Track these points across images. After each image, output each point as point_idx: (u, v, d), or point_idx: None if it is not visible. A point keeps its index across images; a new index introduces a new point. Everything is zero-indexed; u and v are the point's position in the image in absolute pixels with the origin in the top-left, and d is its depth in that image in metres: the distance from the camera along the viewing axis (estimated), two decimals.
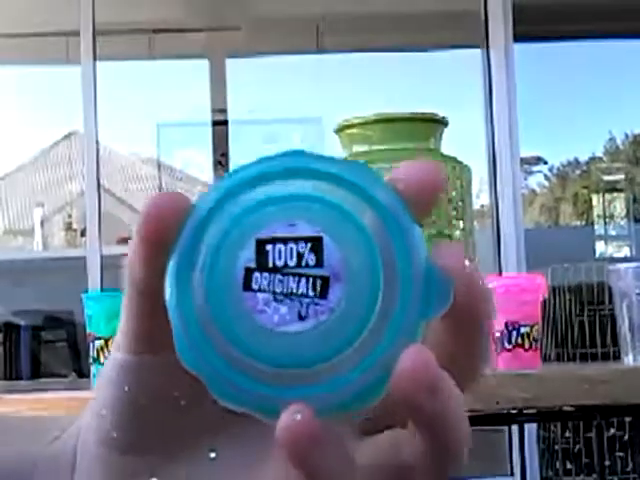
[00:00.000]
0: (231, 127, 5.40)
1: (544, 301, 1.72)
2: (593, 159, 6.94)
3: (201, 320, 0.34)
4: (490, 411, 1.47)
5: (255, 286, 0.34)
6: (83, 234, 4.81)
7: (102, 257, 4.26)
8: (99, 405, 0.41)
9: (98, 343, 1.61)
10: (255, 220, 0.35)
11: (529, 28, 4.83)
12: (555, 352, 3.79)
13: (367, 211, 0.34)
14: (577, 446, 3.76)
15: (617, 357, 1.75)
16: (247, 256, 0.34)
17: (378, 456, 0.37)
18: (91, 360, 1.63)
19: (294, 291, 0.34)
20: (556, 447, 3.84)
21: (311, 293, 0.34)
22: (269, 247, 0.34)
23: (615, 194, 6.26)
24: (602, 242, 5.93)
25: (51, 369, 4.78)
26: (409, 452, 0.36)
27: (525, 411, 1.76)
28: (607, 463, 3.58)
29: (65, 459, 0.43)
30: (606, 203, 6.16)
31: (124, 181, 6.89)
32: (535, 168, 7.21)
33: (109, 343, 1.58)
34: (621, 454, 3.67)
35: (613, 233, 5.99)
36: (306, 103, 5.80)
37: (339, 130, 1.64)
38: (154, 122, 5.68)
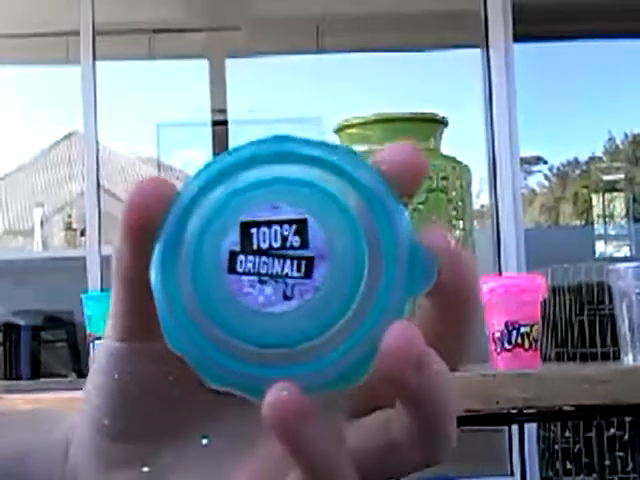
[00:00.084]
0: (231, 127, 5.40)
1: (544, 301, 1.72)
2: (593, 159, 6.94)
3: (187, 303, 0.35)
4: (490, 411, 1.47)
5: (240, 269, 0.34)
6: (83, 234, 4.81)
7: (102, 257, 4.26)
8: (91, 393, 0.41)
9: (98, 343, 1.61)
10: (239, 204, 0.35)
11: (529, 28, 4.83)
12: (555, 352, 3.79)
13: (351, 193, 0.34)
14: (577, 446, 3.76)
15: (617, 357, 1.75)
16: (232, 239, 0.35)
17: (367, 436, 0.37)
18: (91, 360, 1.63)
19: (279, 272, 0.34)
20: (556, 447, 3.84)
21: (296, 273, 0.34)
22: (253, 230, 0.34)
23: (615, 194, 6.26)
24: (602, 242, 5.93)
25: (51, 369, 4.78)
26: (397, 430, 0.36)
27: (525, 411, 1.76)
28: (607, 463, 3.58)
29: (59, 448, 0.43)
30: (606, 203, 6.16)
31: (124, 181, 6.89)
32: (535, 168, 7.21)
33: None
34: (621, 454, 3.67)
35: (613, 233, 5.99)
36: (306, 103, 5.80)
37: (339, 130, 1.64)
38: (154, 122, 5.68)
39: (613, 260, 5.04)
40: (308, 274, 0.34)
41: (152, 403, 0.40)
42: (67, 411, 0.45)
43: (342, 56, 5.77)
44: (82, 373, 4.13)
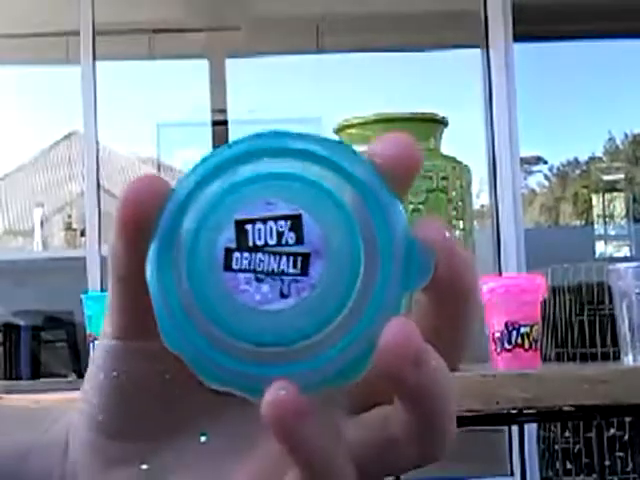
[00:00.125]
0: (231, 127, 5.40)
1: (544, 301, 1.71)
2: (593, 159, 6.94)
3: (183, 301, 0.34)
4: (490, 411, 1.47)
5: (236, 266, 0.34)
6: (83, 234, 4.81)
7: (102, 257, 4.26)
8: (88, 392, 0.41)
9: (98, 343, 1.61)
10: (234, 201, 0.35)
11: (529, 28, 4.83)
12: (555, 352, 3.79)
13: (346, 187, 0.34)
14: (577, 446, 3.76)
15: (617, 357, 1.75)
16: (227, 237, 0.34)
17: (366, 432, 0.37)
18: (90, 360, 1.63)
19: (275, 269, 0.34)
20: (556, 447, 3.84)
21: (292, 270, 0.34)
22: (249, 227, 0.34)
23: (615, 194, 6.26)
24: (602, 242, 5.93)
25: (51, 369, 4.78)
26: (395, 427, 0.36)
27: (525, 411, 1.76)
28: (607, 463, 3.58)
29: (58, 446, 0.43)
30: (606, 203, 6.16)
31: (124, 181, 6.88)
32: (535, 168, 7.21)
33: None
34: (621, 454, 3.67)
35: (613, 233, 5.99)
36: (306, 103, 5.80)
37: (339, 130, 1.64)
38: (154, 122, 5.68)
39: (613, 260, 5.04)
40: (304, 271, 0.34)
41: (149, 402, 0.40)
42: (65, 408, 0.45)
43: (342, 56, 5.77)
44: (82, 373, 4.11)
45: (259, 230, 0.34)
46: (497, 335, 1.63)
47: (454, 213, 1.59)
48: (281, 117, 5.39)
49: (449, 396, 0.35)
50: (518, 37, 4.46)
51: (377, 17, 5.40)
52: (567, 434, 3.79)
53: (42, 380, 3.48)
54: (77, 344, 4.77)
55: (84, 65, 4.42)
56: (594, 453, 3.61)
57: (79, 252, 4.63)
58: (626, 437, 3.66)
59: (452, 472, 4.33)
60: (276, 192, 0.35)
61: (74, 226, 5.37)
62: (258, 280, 0.34)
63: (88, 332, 1.67)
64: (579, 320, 3.78)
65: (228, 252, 0.34)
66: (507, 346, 1.62)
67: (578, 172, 7.24)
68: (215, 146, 5.40)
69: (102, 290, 3.85)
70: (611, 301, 1.76)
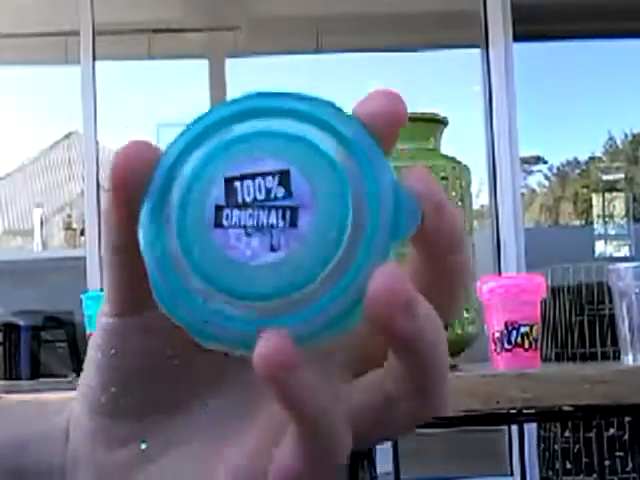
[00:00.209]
0: None
1: (544, 301, 1.71)
2: (592, 159, 6.94)
3: (175, 262, 0.35)
4: (490, 411, 1.47)
5: (226, 223, 0.34)
6: (83, 234, 4.81)
7: (102, 257, 4.26)
8: (87, 376, 0.41)
9: None
10: (222, 161, 0.35)
11: (528, 28, 4.83)
12: (555, 352, 3.79)
13: (332, 142, 0.35)
14: (577, 446, 3.76)
15: (617, 357, 1.75)
16: (216, 195, 0.35)
17: (361, 394, 0.37)
18: None
19: (264, 223, 0.34)
20: (556, 447, 3.84)
21: (281, 223, 0.34)
22: (237, 184, 0.35)
23: (615, 194, 6.25)
24: (602, 242, 5.92)
25: (51, 369, 4.77)
26: (391, 383, 0.36)
27: (525, 411, 1.76)
28: (607, 463, 3.58)
29: (59, 434, 0.43)
30: (606, 203, 6.15)
31: None
32: (535, 168, 7.21)
33: None
34: (621, 454, 3.67)
35: (613, 233, 5.99)
36: None
37: None
38: (154, 122, 5.68)
39: (613, 260, 5.04)
40: (293, 223, 0.34)
41: (149, 378, 0.40)
42: (67, 401, 0.45)
43: (342, 56, 5.77)
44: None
45: (248, 186, 0.34)
46: (497, 335, 1.63)
47: None
48: None
49: (441, 347, 0.35)
50: (518, 37, 4.46)
51: (377, 17, 5.40)
52: (567, 434, 3.79)
53: (42, 380, 3.48)
54: (77, 344, 4.77)
55: (84, 65, 4.42)
56: (594, 453, 3.61)
57: (79, 252, 4.63)
58: (626, 437, 3.66)
59: (452, 472, 4.34)
60: (264, 149, 0.35)
61: (74, 226, 5.37)
62: (248, 235, 0.34)
63: (88, 332, 1.67)
64: (579, 320, 3.78)
65: (218, 210, 0.35)
66: (507, 346, 1.62)
67: (578, 172, 7.25)
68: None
69: (102, 290, 3.85)
70: (611, 301, 1.76)
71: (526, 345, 1.62)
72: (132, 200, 0.36)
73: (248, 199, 0.34)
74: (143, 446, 0.41)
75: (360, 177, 0.34)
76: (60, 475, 0.43)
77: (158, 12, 5.38)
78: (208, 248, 0.34)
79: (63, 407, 0.45)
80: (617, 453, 3.66)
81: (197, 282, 0.34)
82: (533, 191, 7.38)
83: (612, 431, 3.65)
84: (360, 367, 0.38)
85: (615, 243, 5.95)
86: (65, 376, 3.89)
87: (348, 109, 0.36)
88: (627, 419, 3.59)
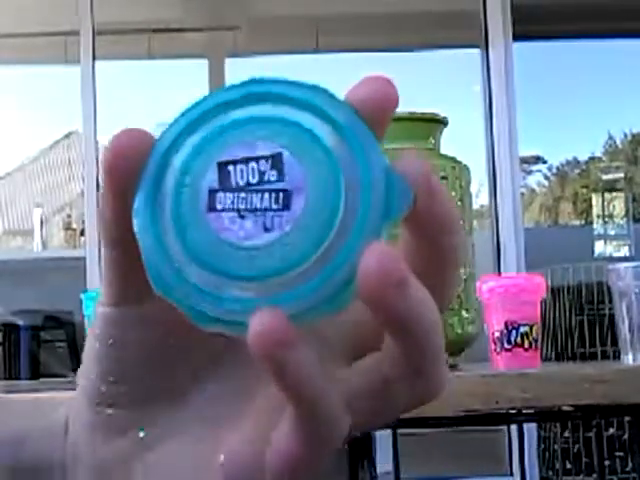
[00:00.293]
0: None
1: (543, 301, 1.71)
2: (592, 158, 6.94)
3: (170, 246, 0.35)
4: (490, 411, 1.47)
5: (219, 206, 0.35)
6: (83, 234, 4.81)
7: (101, 257, 4.25)
8: (86, 369, 0.42)
9: None
10: (216, 146, 0.35)
11: (528, 27, 4.83)
12: (555, 352, 3.79)
13: (325, 126, 0.35)
14: (577, 446, 3.76)
15: (617, 357, 1.75)
16: (210, 179, 0.35)
17: (358, 378, 0.37)
18: None
19: (257, 206, 0.34)
20: (555, 447, 3.84)
21: (274, 206, 0.34)
22: (231, 168, 0.35)
23: (614, 194, 6.25)
24: (601, 242, 5.92)
25: (51, 369, 4.77)
26: (387, 365, 0.36)
27: (525, 411, 1.76)
28: (607, 463, 3.58)
29: (58, 429, 0.43)
30: (605, 203, 6.15)
31: None
32: (534, 167, 7.21)
33: None
34: (621, 454, 3.67)
35: (612, 233, 5.99)
36: None
37: None
38: (154, 122, 5.68)
39: (612, 260, 5.04)
40: (286, 206, 0.34)
41: (147, 366, 0.40)
42: (66, 397, 0.45)
43: (341, 56, 5.77)
44: None
45: (241, 170, 0.35)
46: (497, 335, 1.63)
47: None
48: None
49: (435, 326, 0.35)
50: (518, 37, 4.46)
51: (376, 17, 5.40)
52: (567, 434, 3.79)
53: (42, 380, 3.48)
54: (77, 344, 4.77)
55: (84, 65, 4.42)
56: (594, 453, 3.61)
57: (79, 252, 4.63)
58: (626, 437, 3.66)
59: (452, 472, 4.34)
60: (257, 134, 0.35)
61: (74, 226, 5.37)
62: (241, 217, 0.34)
63: (88, 332, 1.67)
64: (579, 320, 3.78)
65: (212, 193, 0.35)
66: (507, 346, 1.62)
67: (577, 172, 7.25)
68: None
69: None
70: (611, 301, 1.76)
71: (526, 345, 1.62)
72: (126, 187, 0.36)
73: (241, 182, 0.35)
74: (141, 434, 0.41)
75: (352, 160, 0.34)
76: (61, 471, 0.43)
77: (158, 12, 5.38)
78: (202, 231, 0.35)
79: (60, 403, 0.45)
80: (617, 453, 3.66)
81: (192, 264, 0.35)
82: (533, 191, 7.38)
83: (612, 431, 3.65)
84: (357, 354, 0.38)
85: (615, 243, 5.95)
86: (65, 376, 3.89)
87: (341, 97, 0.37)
88: (627, 419, 3.59)
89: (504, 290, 1.64)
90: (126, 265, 0.38)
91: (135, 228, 0.35)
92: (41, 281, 4.87)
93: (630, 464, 3.66)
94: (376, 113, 0.35)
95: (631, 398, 1.48)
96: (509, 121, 4.33)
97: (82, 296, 1.77)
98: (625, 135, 7.19)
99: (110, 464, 0.41)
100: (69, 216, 5.54)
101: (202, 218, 0.35)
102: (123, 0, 5.15)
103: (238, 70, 5.53)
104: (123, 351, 0.40)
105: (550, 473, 3.90)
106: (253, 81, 0.36)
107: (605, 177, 6.57)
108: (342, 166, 0.34)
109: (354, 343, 0.38)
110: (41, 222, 5.47)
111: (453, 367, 1.63)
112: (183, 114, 0.36)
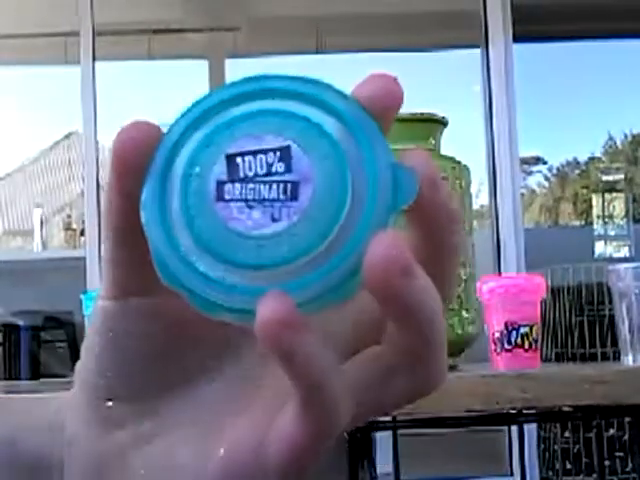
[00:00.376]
0: None
1: (544, 301, 1.71)
2: (592, 159, 6.94)
3: (177, 236, 0.35)
4: (490, 411, 1.47)
5: (227, 196, 0.35)
6: (83, 234, 4.81)
7: (102, 257, 4.25)
8: (86, 360, 0.42)
9: None
10: (224, 139, 0.36)
11: (528, 28, 4.83)
12: (555, 352, 3.79)
13: (332, 120, 0.36)
14: (577, 446, 3.76)
15: (617, 358, 1.75)
16: (219, 171, 0.35)
17: (362, 367, 0.37)
18: None
19: (266, 196, 0.35)
20: (556, 447, 3.84)
21: (282, 197, 0.35)
22: (239, 160, 0.35)
23: (614, 194, 6.25)
24: (601, 242, 5.92)
25: (51, 369, 4.77)
26: (390, 355, 0.36)
27: (525, 411, 1.76)
28: (607, 463, 3.58)
29: (54, 424, 0.43)
30: (605, 203, 6.15)
31: None
32: (534, 168, 7.21)
33: None
34: (621, 454, 3.67)
35: (612, 233, 5.99)
36: None
37: None
38: (154, 122, 5.67)
39: (613, 261, 5.04)
40: (294, 197, 0.35)
41: (149, 359, 0.40)
42: (65, 397, 0.45)
43: (342, 56, 5.77)
44: None
45: (249, 162, 0.35)
46: (497, 335, 1.63)
47: None
48: None
49: (438, 316, 0.35)
50: (518, 37, 4.46)
51: (377, 17, 5.40)
52: (567, 434, 3.79)
53: (42, 380, 3.48)
54: (77, 344, 4.77)
55: (84, 65, 4.42)
56: (594, 453, 3.61)
57: (79, 252, 4.63)
58: (626, 437, 3.66)
59: (452, 472, 4.33)
60: (265, 127, 0.36)
61: (74, 226, 5.37)
62: (249, 207, 0.35)
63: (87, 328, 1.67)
64: (579, 320, 3.78)
65: (220, 185, 0.35)
66: (507, 346, 1.62)
67: (577, 172, 7.24)
68: None
69: None
70: (611, 302, 1.76)
71: (526, 345, 1.62)
72: (135, 182, 0.36)
73: (250, 174, 0.35)
74: (143, 427, 0.41)
75: (359, 154, 0.35)
76: (60, 469, 0.43)
77: (158, 12, 5.38)
78: (210, 221, 0.35)
79: (54, 401, 0.45)
80: (617, 453, 3.66)
81: (199, 253, 0.35)
82: (533, 191, 7.38)
83: (612, 431, 3.65)
84: (359, 346, 0.38)
85: (615, 244, 5.95)
86: (65, 376, 3.89)
87: None
88: (627, 419, 3.59)
89: (504, 290, 1.64)
90: (129, 252, 0.39)
91: (142, 219, 0.36)
92: (41, 281, 4.87)
93: (630, 464, 3.66)
94: (381, 110, 0.36)
95: (631, 399, 1.48)
96: (509, 121, 4.33)
97: (82, 296, 1.77)
98: (625, 136, 7.19)
99: (108, 458, 0.41)
100: (69, 216, 5.54)
101: (210, 208, 0.35)
102: (123, 1, 5.14)
103: (238, 71, 5.53)
104: (124, 343, 0.40)
105: (550, 473, 3.90)
106: (260, 76, 0.36)
107: (605, 178, 6.56)
108: (349, 158, 0.35)
109: (353, 343, 0.38)
110: (41, 222, 5.47)
111: (453, 367, 1.63)
112: (191, 108, 0.37)
